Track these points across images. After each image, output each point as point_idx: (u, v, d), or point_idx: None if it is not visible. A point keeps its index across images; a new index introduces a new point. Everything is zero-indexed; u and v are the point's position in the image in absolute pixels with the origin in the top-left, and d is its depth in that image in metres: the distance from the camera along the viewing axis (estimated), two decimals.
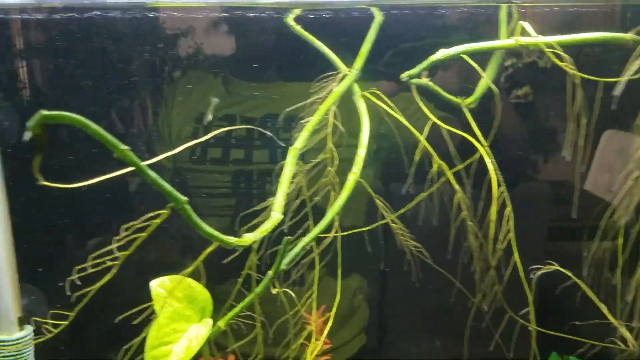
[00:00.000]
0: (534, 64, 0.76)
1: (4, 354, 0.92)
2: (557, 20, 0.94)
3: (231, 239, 0.66)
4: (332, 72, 0.89)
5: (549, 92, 1.19)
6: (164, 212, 0.58)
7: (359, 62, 0.87)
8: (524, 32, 0.73)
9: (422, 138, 0.81)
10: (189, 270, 0.73)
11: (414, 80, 0.81)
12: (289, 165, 0.83)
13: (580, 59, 0.77)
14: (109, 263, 0.62)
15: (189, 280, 0.80)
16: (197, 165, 1.21)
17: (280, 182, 0.82)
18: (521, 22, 0.68)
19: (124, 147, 0.55)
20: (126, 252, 0.59)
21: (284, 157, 0.83)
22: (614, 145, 1.29)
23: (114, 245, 0.56)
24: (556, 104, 1.29)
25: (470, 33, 1.10)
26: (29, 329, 0.94)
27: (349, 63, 0.90)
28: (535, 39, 0.65)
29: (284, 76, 1.19)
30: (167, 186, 0.58)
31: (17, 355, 0.93)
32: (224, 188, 1.22)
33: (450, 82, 1.05)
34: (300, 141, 0.85)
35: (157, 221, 0.59)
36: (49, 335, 0.80)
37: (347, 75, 0.87)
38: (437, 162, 0.80)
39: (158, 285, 0.80)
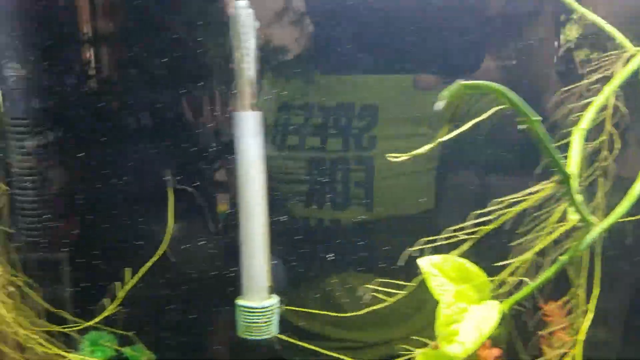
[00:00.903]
0: None
1: (254, 321, 0.93)
2: None
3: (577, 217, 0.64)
4: (613, 52, 0.85)
5: None
6: (549, 185, 0.56)
7: None
8: None
9: None
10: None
11: None
12: (577, 145, 0.81)
13: None
14: (462, 237, 0.61)
15: (461, 260, 0.79)
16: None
17: (568, 164, 0.80)
18: None
19: (535, 117, 0.54)
20: (487, 227, 0.58)
21: None
22: None
23: (471, 223, 0.55)
24: None
25: None
26: (275, 298, 0.95)
27: None
28: None
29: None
30: (559, 159, 0.56)
31: (265, 323, 0.94)
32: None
33: None
34: (585, 122, 0.83)
35: (537, 196, 0.57)
36: None
37: (636, 54, 0.83)
38: None
39: (431, 265, 0.79)
